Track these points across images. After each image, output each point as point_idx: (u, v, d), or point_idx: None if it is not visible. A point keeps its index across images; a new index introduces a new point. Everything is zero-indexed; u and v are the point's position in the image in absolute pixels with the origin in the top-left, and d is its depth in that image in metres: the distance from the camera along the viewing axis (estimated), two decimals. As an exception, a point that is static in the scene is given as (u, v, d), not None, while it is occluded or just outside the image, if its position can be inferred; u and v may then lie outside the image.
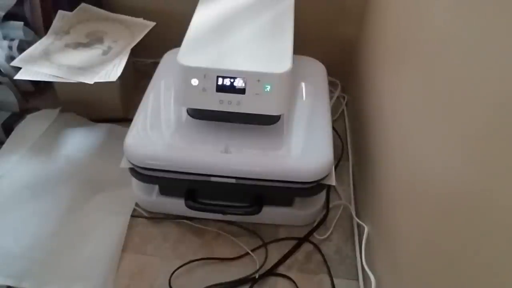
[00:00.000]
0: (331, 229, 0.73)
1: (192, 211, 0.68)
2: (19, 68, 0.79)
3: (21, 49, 0.85)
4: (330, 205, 0.76)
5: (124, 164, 0.66)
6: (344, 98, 0.98)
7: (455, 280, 0.38)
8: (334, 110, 0.93)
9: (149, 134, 0.66)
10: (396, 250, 0.54)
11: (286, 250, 0.70)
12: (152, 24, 0.89)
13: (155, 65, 0.79)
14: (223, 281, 0.65)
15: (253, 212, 0.66)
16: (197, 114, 0.67)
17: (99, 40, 0.86)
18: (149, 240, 0.71)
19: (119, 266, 0.67)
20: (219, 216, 0.71)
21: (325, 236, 0.72)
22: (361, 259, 0.65)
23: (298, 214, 0.71)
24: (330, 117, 0.70)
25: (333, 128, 0.75)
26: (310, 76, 0.78)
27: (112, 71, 0.79)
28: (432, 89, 0.47)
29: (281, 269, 0.68)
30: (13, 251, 0.66)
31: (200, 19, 0.68)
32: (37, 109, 0.89)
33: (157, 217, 0.74)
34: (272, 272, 0.67)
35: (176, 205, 0.70)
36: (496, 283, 0.32)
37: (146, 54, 0.96)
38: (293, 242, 0.71)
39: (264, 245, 0.70)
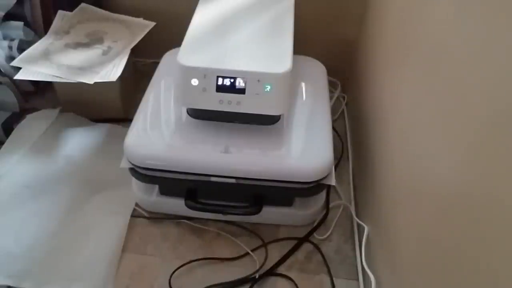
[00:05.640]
0: (331, 229, 0.73)
1: (192, 211, 0.67)
2: (19, 68, 0.79)
3: (21, 49, 0.84)
4: (330, 205, 0.76)
5: (124, 164, 0.66)
6: (344, 98, 0.98)
7: (455, 280, 0.38)
8: (334, 110, 0.93)
9: (149, 134, 0.66)
10: (396, 250, 0.54)
11: (286, 250, 0.70)
12: (152, 24, 0.89)
13: (155, 65, 0.79)
14: (223, 281, 0.65)
15: (253, 212, 0.66)
16: (197, 114, 0.67)
17: (99, 40, 0.86)
18: (149, 240, 0.71)
19: (119, 266, 0.67)
20: (219, 216, 0.71)
21: (325, 236, 0.72)
22: (361, 259, 0.65)
23: (298, 214, 0.71)
24: (330, 117, 0.70)
25: (333, 128, 0.75)
26: (310, 76, 0.78)
27: (112, 71, 0.79)
28: (432, 89, 0.47)
29: (281, 269, 0.68)
30: (13, 251, 0.66)
31: (200, 19, 0.68)
32: (37, 109, 0.89)
33: (157, 217, 0.74)
34: (272, 272, 0.67)
35: (176, 205, 0.70)
36: (496, 283, 0.32)
37: (146, 54, 0.96)
38: (293, 242, 0.71)
39: (264, 245, 0.70)
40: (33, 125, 0.85)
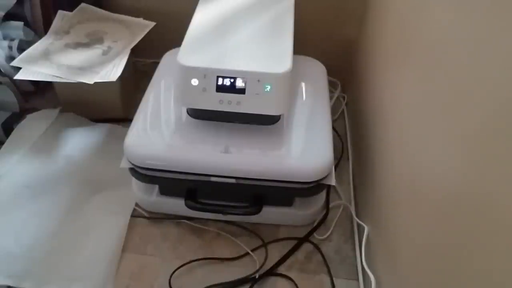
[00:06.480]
0: (331, 229, 0.73)
1: (192, 211, 0.67)
2: (19, 68, 0.79)
3: (21, 49, 0.84)
4: (330, 205, 0.76)
5: (124, 164, 0.66)
6: (344, 98, 0.98)
7: (455, 280, 0.38)
8: (334, 110, 0.93)
9: (149, 134, 0.66)
10: (396, 250, 0.54)
11: (286, 250, 0.70)
12: (152, 24, 0.89)
13: (155, 65, 0.79)
14: (223, 281, 0.65)
15: (253, 212, 0.66)
16: (197, 114, 0.67)
17: (99, 40, 0.86)
18: (149, 240, 0.71)
19: (119, 266, 0.67)
20: (219, 216, 0.71)
21: (325, 236, 0.72)
22: (361, 259, 0.65)
23: (298, 214, 0.71)
24: (330, 117, 0.70)
25: (333, 128, 0.75)
26: (310, 76, 0.78)
27: (112, 71, 0.79)
28: (432, 89, 0.47)
29: (281, 269, 0.68)
30: (13, 251, 0.66)
31: (200, 19, 0.68)
32: (37, 109, 0.89)
33: (157, 217, 0.74)
34: (272, 272, 0.67)
35: (176, 205, 0.70)
36: (496, 284, 0.32)
37: (146, 54, 0.96)
38: (293, 242, 0.71)
39: (264, 245, 0.70)
40: (33, 125, 0.85)
